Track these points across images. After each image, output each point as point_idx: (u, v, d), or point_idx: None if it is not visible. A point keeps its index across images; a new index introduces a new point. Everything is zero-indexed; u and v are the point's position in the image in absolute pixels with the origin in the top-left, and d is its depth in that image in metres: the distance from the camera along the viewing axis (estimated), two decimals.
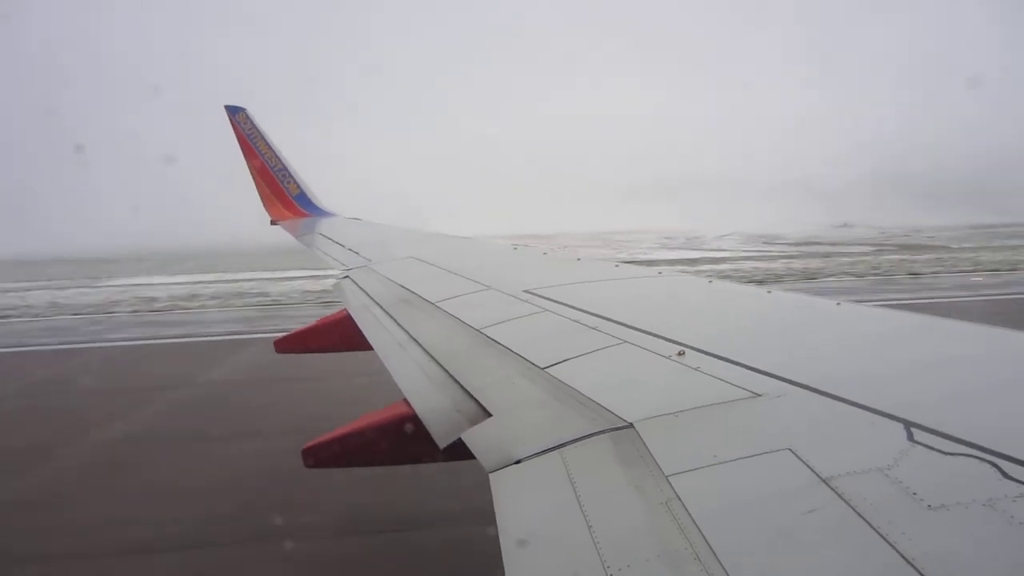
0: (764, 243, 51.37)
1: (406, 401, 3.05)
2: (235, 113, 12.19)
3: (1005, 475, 1.50)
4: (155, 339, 18.06)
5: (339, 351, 6.06)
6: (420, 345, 3.75)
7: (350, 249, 8.24)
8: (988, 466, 1.55)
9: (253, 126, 12.24)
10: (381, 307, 4.95)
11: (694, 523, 1.55)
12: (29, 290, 30.99)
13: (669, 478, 1.76)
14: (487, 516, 1.83)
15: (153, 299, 25.85)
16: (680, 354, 2.72)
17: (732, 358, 2.58)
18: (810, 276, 28.48)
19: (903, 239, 53.49)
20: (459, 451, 2.46)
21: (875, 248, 44.55)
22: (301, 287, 27.35)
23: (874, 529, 1.39)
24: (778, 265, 33.69)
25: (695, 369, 2.55)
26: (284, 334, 6.78)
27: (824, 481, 1.60)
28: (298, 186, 12.79)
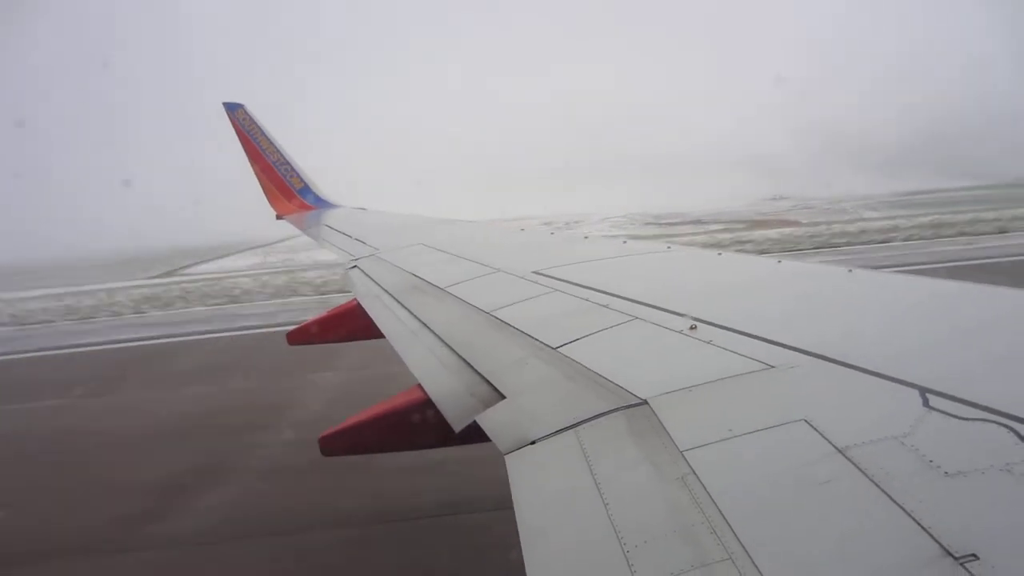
0: (644, 224, 49.32)
1: (420, 387, 3.07)
2: (234, 110, 12.14)
3: (1022, 439, 1.49)
4: None
5: (351, 341, 6.10)
6: (431, 331, 3.76)
7: (357, 239, 8.25)
8: (1005, 431, 1.53)
9: (252, 122, 12.20)
10: (391, 295, 4.96)
11: (710, 497, 1.55)
12: None
13: (684, 453, 1.77)
14: None
15: None
16: (692, 328, 2.71)
17: (744, 330, 2.57)
18: None
19: (787, 213, 52.26)
20: (474, 434, 2.48)
21: (746, 225, 42.93)
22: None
23: (891, 498, 1.38)
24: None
25: (707, 343, 2.54)
26: (295, 326, 6.83)
27: (840, 451, 1.59)
28: (301, 179, 12.77)
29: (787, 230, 34.38)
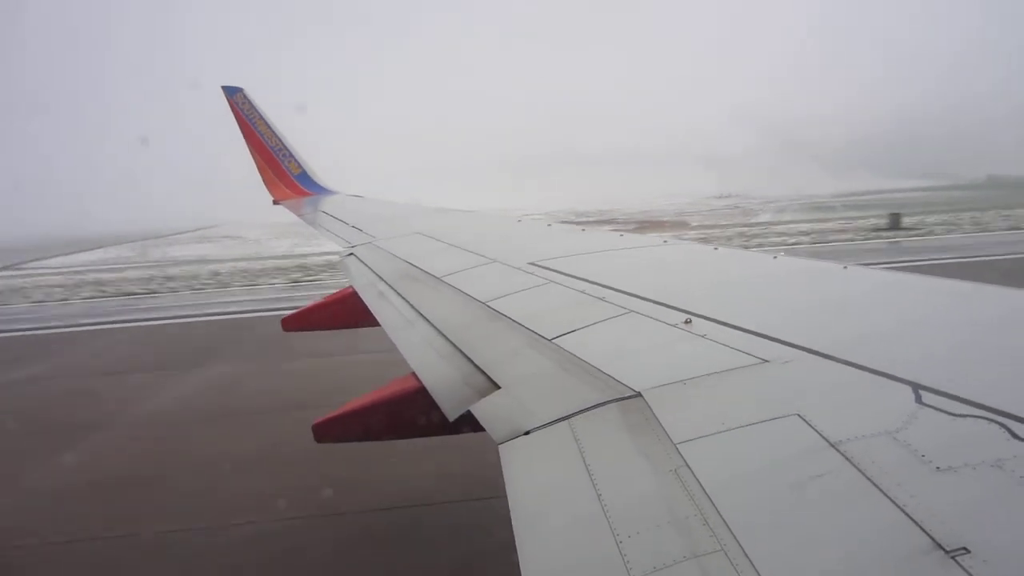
0: (559, 221, 49.11)
1: (415, 375, 3.07)
2: (233, 94, 12.03)
3: (1014, 435, 1.50)
4: None
5: (346, 328, 6.09)
6: (427, 320, 3.76)
7: (354, 226, 8.22)
8: (997, 427, 1.54)
9: (252, 106, 12.10)
10: (387, 283, 4.95)
11: (703, 490, 1.56)
12: None
13: (678, 446, 1.77)
14: None
15: None
16: (687, 322, 2.72)
17: (739, 324, 2.57)
18: None
19: (691, 214, 52.93)
20: (468, 424, 2.49)
21: (636, 225, 43.37)
22: None
23: (883, 492, 1.39)
24: None
25: (702, 337, 2.54)
26: (291, 312, 6.82)
27: (833, 445, 1.60)
28: (299, 165, 12.69)
29: (667, 233, 34.08)
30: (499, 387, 2.59)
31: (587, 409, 2.14)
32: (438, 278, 4.60)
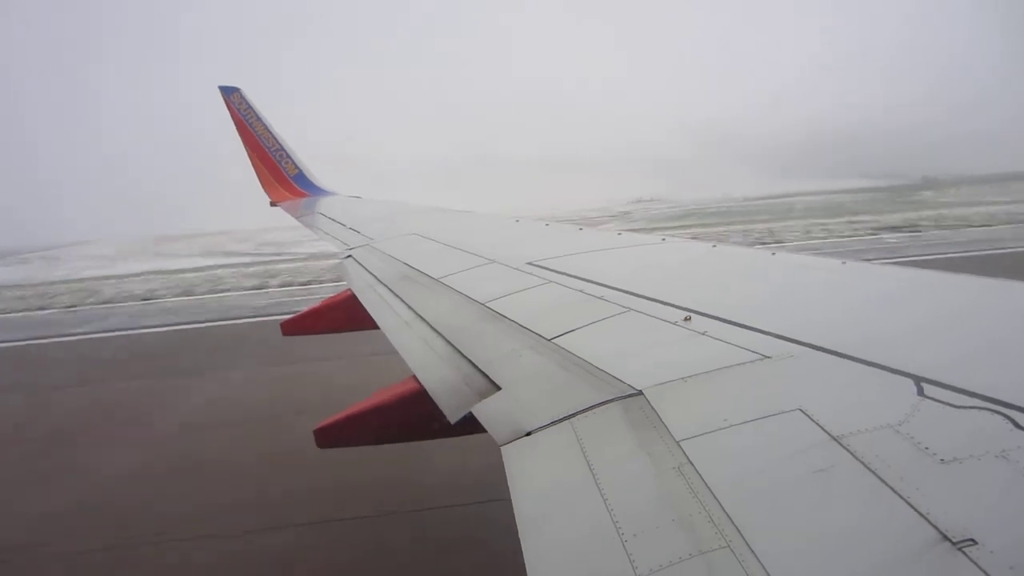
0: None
1: (415, 378, 3.06)
2: (229, 93, 12.01)
3: (1017, 426, 1.50)
4: None
5: (346, 331, 6.08)
6: (426, 322, 3.76)
7: (351, 228, 8.21)
8: (1000, 418, 1.54)
9: (248, 106, 12.07)
10: (385, 285, 4.94)
11: (707, 487, 1.56)
12: None
13: (680, 443, 1.77)
14: None
15: None
16: (687, 319, 2.72)
17: (739, 321, 2.57)
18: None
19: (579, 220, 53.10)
20: (470, 425, 2.48)
21: None
22: None
23: (887, 485, 1.39)
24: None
25: (702, 334, 2.54)
26: (290, 316, 6.80)
27: (836, 440, 1.60)
28: (296, 166, 12.67)
29: None
30: (500, 388, 2.59)
31: (589, 408, 2.13)
32: (436, 279, 4.59)
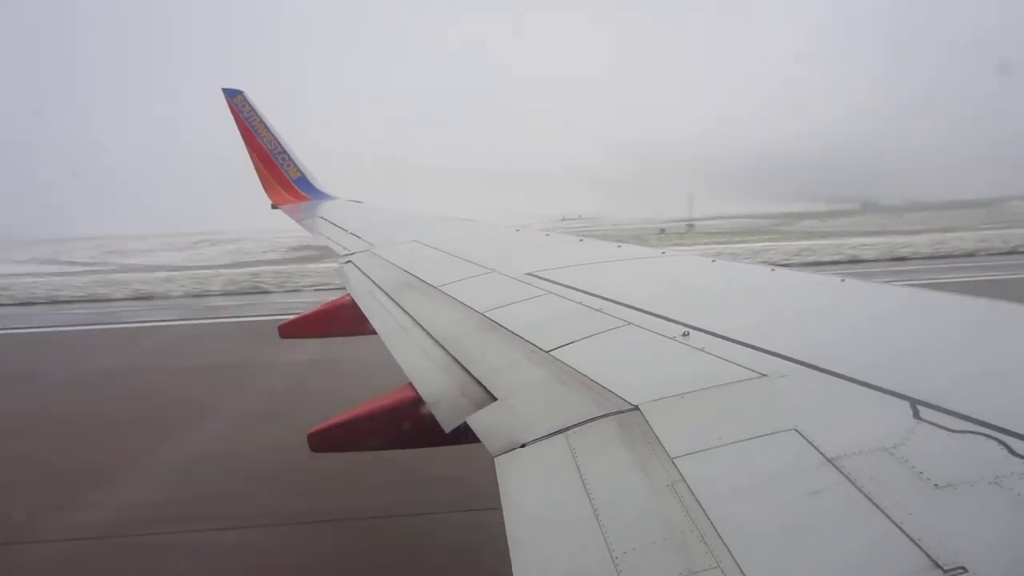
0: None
1: (411, 386, 3.06)
2: (233, 96, 12.05)
3: (1012, 452, 1.50)
4: None
5: (343, 336, 6.08)
6: (424, 329, 3.75)
7: (352, 233, 8.22)
8: (995, 444, 1.54)
9: (252, 109, 12.11)
10: (384, 292, 4.95)
11: (700, 505, 1.55)
12: None
13: (675, 460, 1.77)
14: None
15: None
16: (685, 335, 2.71)
17: (737, 338, 2.57)
18: None
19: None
20: (465, 435, 2.47)
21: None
22: None
23: (880, 509, 1.38)
24: None
25: (700, 350, 2.54)
26: (288, 319, 6.80)
27: (830, 461, 1.59)
28: (298, 169, 12.69)
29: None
30: (496, 399, 2.58)
31: (584, 422, 2.13)
32: (436, 287, 4.59)
